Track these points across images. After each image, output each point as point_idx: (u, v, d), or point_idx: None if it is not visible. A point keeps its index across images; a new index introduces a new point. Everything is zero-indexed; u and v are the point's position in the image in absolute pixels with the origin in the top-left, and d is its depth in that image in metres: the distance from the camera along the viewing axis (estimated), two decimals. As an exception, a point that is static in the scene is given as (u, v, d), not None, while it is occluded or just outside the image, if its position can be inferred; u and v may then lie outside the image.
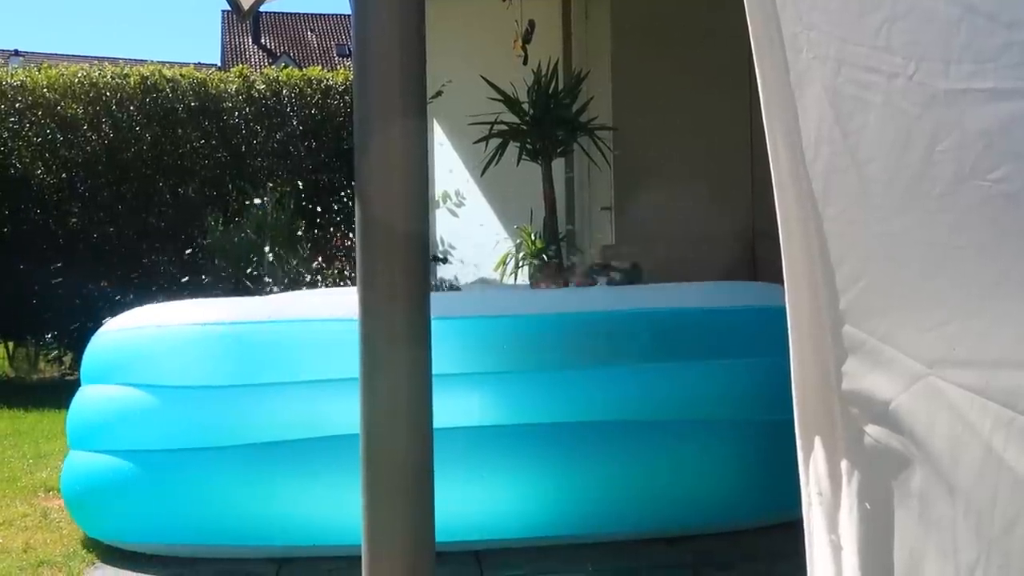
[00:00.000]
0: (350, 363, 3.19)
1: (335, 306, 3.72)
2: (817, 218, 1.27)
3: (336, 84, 9.81)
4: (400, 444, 3.08)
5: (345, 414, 3.31)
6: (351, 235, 8.59)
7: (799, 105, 1.29)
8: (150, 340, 3.70)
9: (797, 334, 1.33)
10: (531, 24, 7.47)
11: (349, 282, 8.07)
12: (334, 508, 3.37)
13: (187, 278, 8.88)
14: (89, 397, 3.72)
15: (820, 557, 1.31)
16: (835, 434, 1.29)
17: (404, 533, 3.07)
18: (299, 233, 9.24)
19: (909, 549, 1.21)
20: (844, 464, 1.28)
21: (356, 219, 3.13)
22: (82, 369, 3.82)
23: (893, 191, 1.23)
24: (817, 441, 1.31)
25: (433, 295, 2.83)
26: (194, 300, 3.95)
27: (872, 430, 1.25)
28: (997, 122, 1.18)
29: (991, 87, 1.19)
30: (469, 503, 3.46)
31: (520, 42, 7.61)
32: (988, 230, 1.17)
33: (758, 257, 7.05)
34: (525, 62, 7.60)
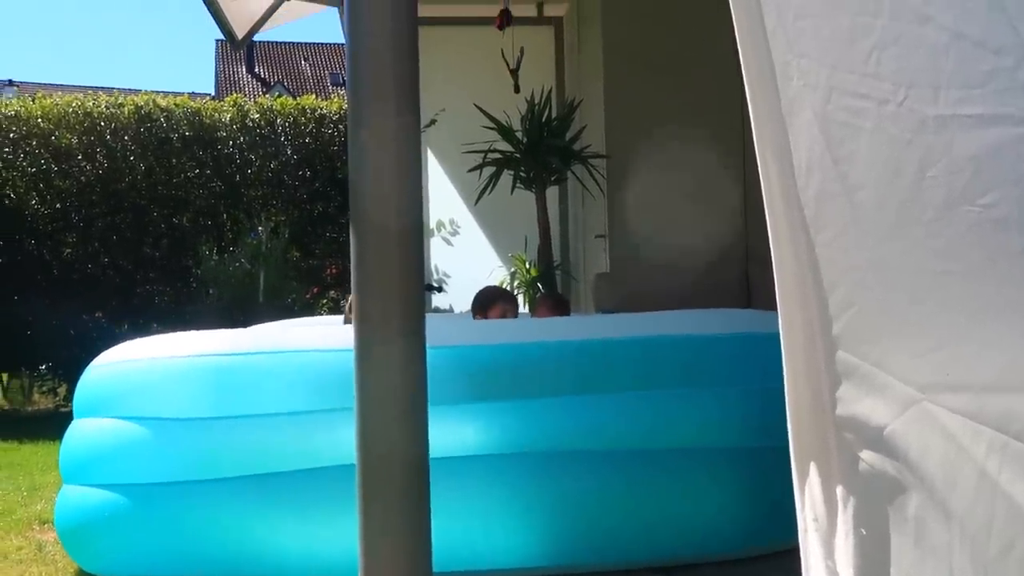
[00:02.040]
0: (345, 394, 3.20)
1: (328, 337, 3.72)
2: (809, 244, 1.28)
3: (330, 113, 9.84)
4: (395, 473, 3.07)
5: (340, 445, 3.31)
6: (346, 264, 8.61)
7: (790, 132, 1.30)
8: (142, 373, 3.69)
9: (791, 360, 1.33)
10: (521, 52, 7.51)
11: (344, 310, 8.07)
12: (330, 540, 3.36)
13: (181, 308, 8.89)
14: (82, 431, 3.71)
15: (816, 583, 1.31)
16: (830, 460, 1.29)
17: (401, 563, 3.06)
18: (293, 262, 9.26)
19: (906, 574, 1.21)
20: (839, 490, 1.28)
21: (351, 246, 3.15)
22: (74, 402, 3.81)
23: (884, 217, 1.23)
24: (812, 467, 1.31)
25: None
26: (186, 332, 3.94)
27: (867, 456, 1.25)
28: (985, 147, 1.19)
29: (979, 113, 1.20)
30: (458, 533, 3.45)
31: (513, 70, 7.64)
32: (978, 255, 1.18)
33: (752, 282, 7.06)
34: (517, 90, 7.63)
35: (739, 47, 1.37)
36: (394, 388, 3.02)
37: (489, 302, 4.79)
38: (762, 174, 1.35)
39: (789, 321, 1.32)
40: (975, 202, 1.19)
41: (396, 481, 3.01)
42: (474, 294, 5.06)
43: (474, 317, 4.70)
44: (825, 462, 1.29)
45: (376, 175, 3.04)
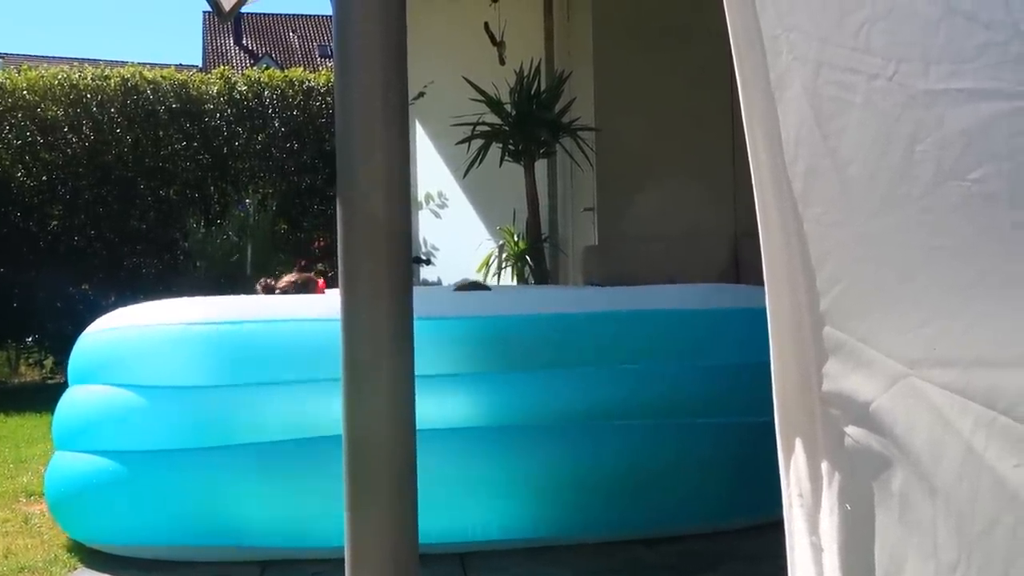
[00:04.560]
0: (334, 363, 3.19)
1: (318, 306, 3.71)
2: (797, 220, 1.27)
3: (318, 85, 9.79)
4: (384, 445, 3.07)
5: (330, 415, 3.31)
6: (333, 236, 8.61)
7: (779, 107, 1.29)
8: (137, 339, 3.67)
9: (778, 336, 1.33)
10: (502, 29, 7.52)
11: (331, 284, 8.06)
12: (319, 510, 3.36)
13: (168, 281, 8.86)
14: (76, 397, 3.70)
15: (801, 559, 1.31)
16: (816, 436, 1.29)
17: (388, 535, 3.07)
18: (281, 235, 9.24)
19: (890, 550, 1.22)
20: (825, 466, 1.28)
21: (338, 220, 3.13)
22: (69, 369, 3.80)
23: (873, 192, 1.23)
24: (798, 443, 1.31)
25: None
26: (179, 299, 3.92)
27: (853, 431, 1.25)
28: (976, 122, 1.19)
29: (970, 87, 1.20)
30: (452, 505, 3.46)
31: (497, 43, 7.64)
32: (967, 230, 1.17)
33: (741, 257, 7.07)
34: (502, 63, 7.61)
35: (728, 21, 1.36)
36: (381, 359, 3.02)
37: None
38: (750, 149, 1.34)
39: (777, 297, 1.32)
40: (965, 177, 1.18)
41: (383, 451, 3.02)
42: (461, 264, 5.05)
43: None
44: (811, 438, 1.29)
45: (363, 148, 3.03)
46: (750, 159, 1.34)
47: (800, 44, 1.28)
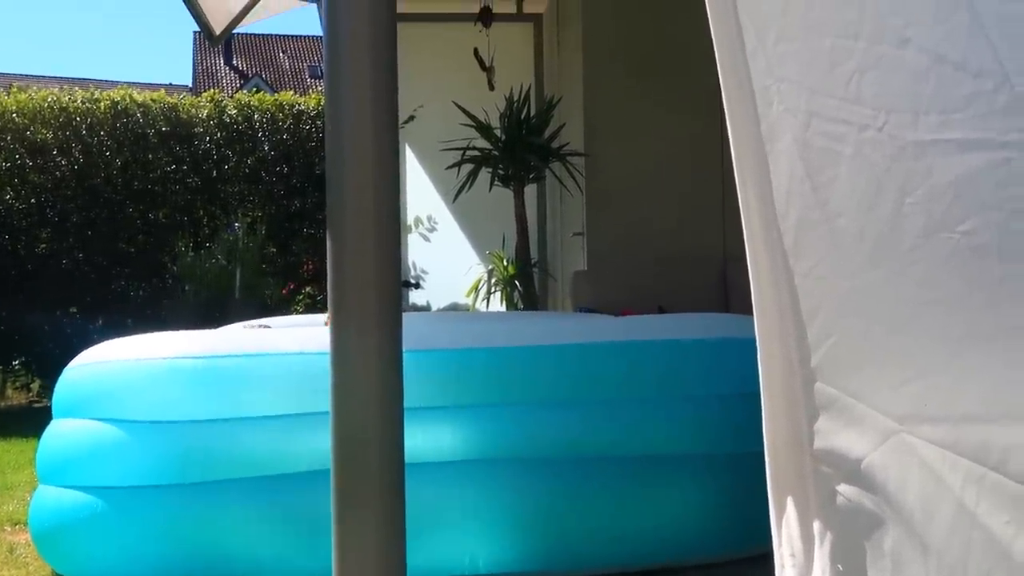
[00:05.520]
0: (322, 397, 3.18)
1: (306, 340, 3.70)
2: (788, 273, 1.27)
3: (308, 109, 9.80)
4: (372, 477, 3.06)
5: (317, 449, 3.29)
6: (323, 260, 8.60)
7: (770, 158, 1.29)
8: (122, 374, 3.66)
9: (769, 392, 1.32)
10: (492, 56, 7.54)
11: (320, 308, 8.05)
12: (307, 545, 3.34)
13: (157, 304, 8.84)
14: (59, 431, 3.68)
15: (794, 618, 1.31)
16: (807, 494, 1.28)
17: (375, 568, 3.06)
18: (270, 258, 9.23)
19: (882, 609, 1.21)
20: (816, 525, 1.27)
21: (328, 244, 3.13)
22: (53, 403, 3.78)
23: (863, 245, 1.22)
24: (789, 502, 1.30)
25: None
26: (166, 333, 3.91)
27: (845, 489, 1.24)
28: (965, 173, 1.18)
29: (959, 138, 1.19)
30: (438, 538, 3.44)
31: (486, 69, 7.65)
32: (956, 283, 1.17)
33: (729, 280, 7.07)
34: (492, 88, 7.62)
35: (719, 71, 1.35)
36: (370, 386, 3.00)
37: None
38: (741, 200, 1.34)
39: (768, 352, 1.31)
40: (954, 229, 1.18)
41: (372, 482, 3.00)
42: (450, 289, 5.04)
43: None
44: (802, 496, 1.28)
45: (354, 172, 3.03)
46: (741, 211, 1.33)
47: (790, 95, 1.27)
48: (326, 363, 3.04)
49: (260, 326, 4.55)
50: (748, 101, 1.31)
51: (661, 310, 5.44)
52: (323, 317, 5.24)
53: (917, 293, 1.19)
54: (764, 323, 1.31)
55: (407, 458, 3.07)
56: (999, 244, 1.16)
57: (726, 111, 1.35)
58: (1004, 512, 1.10)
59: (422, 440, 3.35)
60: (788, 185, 1.27)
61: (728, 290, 7.05)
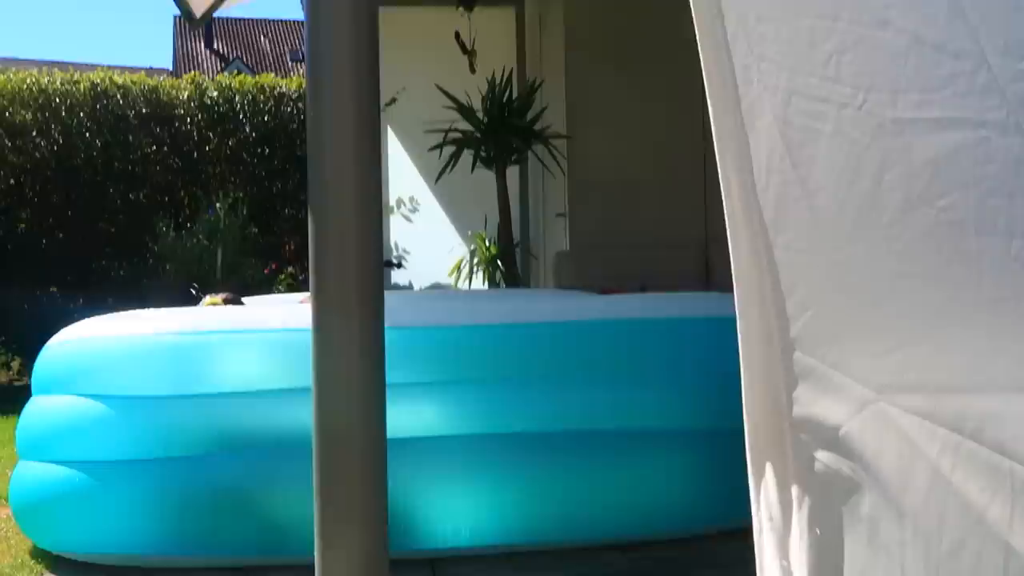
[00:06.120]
0: (302, 373, 3.19)
1: (286, 316, 3.71)
2: (768, 247, 1.29)
3: (289, 91, 9.77)
4: (353, 452, 3.07)
5: (297, 424, 3.32)
6: (304, 240, 8.58)
7: (751, 136, 1.31)
8: (101, 350, 3.68)
9: (748, 361, 1.35)
10: (473, 39, 7.56)
11: (302, 288, 8.05)
12: (288, 519, 3.37)
13: (138, 284, 8.82)
14: (40, 407, 3.69)
15: (772, 581, 1.34)
16: (786, 461, 1.31)
17: (358, 542, 3.07)
18: (251, 239, 9.21)
19: (859, 573, 1.23)
20: (795, 490, 1.30)
21: (309, 225, 3.14)
22: (33, 380, 3.80)
23: (842, 220, 1.25)
24: (768, 468, 1.33)
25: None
26: (145, 310, 3.92)
27: (822, 456, 1.27)
28: (943, 151, 1.21)
29: (937, 116, 1.22)
30: (423, 512, 3.47)
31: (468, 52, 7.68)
32: (934, 258, 1.19)
33: (711, 262, 7.11)
34: (473, 71, 7.64)
35: (700, 50, 1.37)
36: (352, 365, 3.02)
37: None
38: (722, 176, 1.36)
39: (747, 323, 1.34)
40: (933, 205, 1.20)
41: (354, 460, 3.02)
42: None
43: None
44: (781, 463, 1.31)
45: (335, 153, 3.04)
46: (721, 186, 1.35)
47: (771, 73, 1.29)
48: (308, 339, 3.08)
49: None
50: (729, 80, 1.33)
51: (643, 290, 5.47)
52: (299, 296, 5.25)
53: (896, 267, 1.21)
54: (744, 294, 1.33)
55: (388, 434, 3.12)
56: (976, 220, 1.18)
57: (707, 90, 1.37)
58: (979, 480, 1.13)
59: (404, 416, 3.37)
60: (768, 162, 1.29)
61: (710, 271, 7.10)
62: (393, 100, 8.15)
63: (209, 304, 4.59)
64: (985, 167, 1.19)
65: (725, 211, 1.35)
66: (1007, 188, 1.16)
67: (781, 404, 1.30)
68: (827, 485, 1.26)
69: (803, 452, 1.29)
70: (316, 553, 3.04)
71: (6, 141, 8.94)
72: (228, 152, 9.46)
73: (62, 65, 10.33)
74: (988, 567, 1.12)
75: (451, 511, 3.54)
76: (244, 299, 4.55)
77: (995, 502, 1.11)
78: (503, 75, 7.08)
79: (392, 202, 9.13)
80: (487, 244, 8.07)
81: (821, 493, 1.27)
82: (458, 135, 7.00)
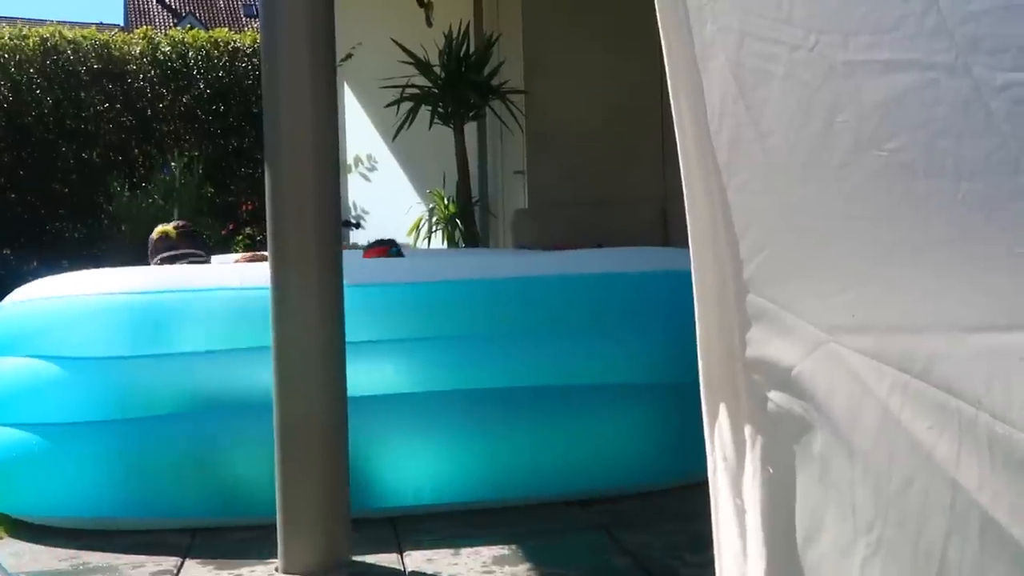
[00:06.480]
0: (261, 332, 3.18)
1: (245, 274, 3.69)
2: (721, 189, 1.30)
3: (244, 46, 9.66)
4: (314, 411, 3.08)
5: (257, 384, 3.30)
6: (262, 200, 8.52)
7: (704, 77, 1.31)
8: (56, 311, 3.63)
9: (702, 303, 1.36)
10: None
11: (260, 248, 8.00)
12: (248, 479, 3.36)
13: (93, 245, 8.73)
14: (-6, 369, 3.65)
15: (726, 520, 1.35)
16: (739, 401, 1.32)
17: (319, 501, 3.09)
18: (208, 198, 9.14)
19: (811, 510, 1.25)
20: (748, 430, 1.31)
21: (266, 184, 3.11)
22: (-13, 341, 3.74)
23: (794, 162, 1.25)
24: (722, 408, 1.34)
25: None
26: (101, 270, 3.87)
27: (775, 396, 1.29)
28: (893, 93, 1.21)
29: (887, 58, 1.22)
30: (384, 470, 3.47)
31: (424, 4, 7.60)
32: (884, 199, 1.20)
33: (669, 219, 7.13)
34: (430, 25, 7.57)
35: (654, -7, 1.37)
36: (311, 324, 3.02)
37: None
38: (676, 120, 1.36)
39: (701, 265, 1.34)
40: (882, 147, 1.21)
41: (314, 418, 3.03)
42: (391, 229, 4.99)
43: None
44: (734, 403, 1.33)
45: (291, 109, 3.01)
46: (676, 130, 1.36)
47: (724, 15, 1.30)
48: (266, 298, 3.06)
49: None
50: (683, 22, 1.33)
51: (600, 247, 5.48)
52: (233, 256, 5.22)
53: (846, 208, 1.22)
54: (698, 237, 1.34)
55: (349, 392, 3.11)
56: (925, 162, 1.19)
57: (661, 33, 1.37)
58: (927, 418, 1.14)
59: (364, 374, 3.36)
60: (721, 104, 1.30)
61: (668, 227, 7.12)
62: (349, 56, 8.07)
63: (160, 232, 4.55)
64: (933, 109, 1.19)
65: (680, 156, 1.35)
66: (955, 130, 1.17)
67: (734, 346, 1.31)
68: (779, 425, 1.28)
69: (756, 393, 1.30)
70: (278, 511, 3.05)
71: (-46, 99, 8.80)
72: (182, 109, 9.35)
73: (10, 20, 10.14)
74: (936, 504, 1.14)
75: (413, 469, 3.54)
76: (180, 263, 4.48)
77: (942, 440, 1.13)
78: (460, 29, 7.03)
79: (350, 160, 9.07)
80: (446, 202, 8.04)
81: (773, 433, 1.29)
82: (415, 91, 6.95)
